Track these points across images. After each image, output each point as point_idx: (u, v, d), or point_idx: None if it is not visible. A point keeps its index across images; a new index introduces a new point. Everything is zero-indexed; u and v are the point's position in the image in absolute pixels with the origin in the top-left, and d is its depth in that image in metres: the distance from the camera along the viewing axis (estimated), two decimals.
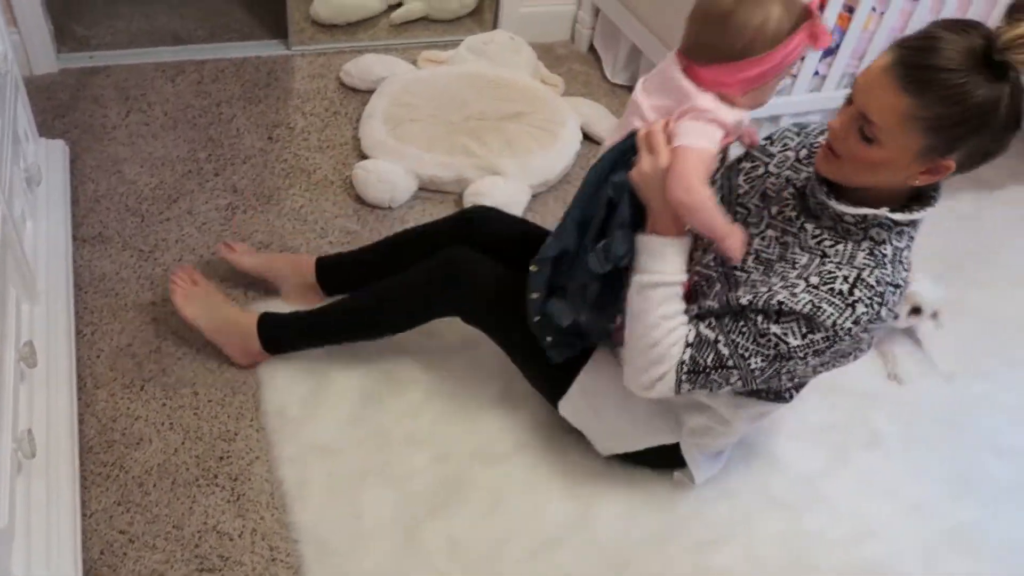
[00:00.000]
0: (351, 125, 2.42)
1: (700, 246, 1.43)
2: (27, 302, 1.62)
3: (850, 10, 2.29)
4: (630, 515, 1.62)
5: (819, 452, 1.80)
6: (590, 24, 2.88)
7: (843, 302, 1.19)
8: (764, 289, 1.25)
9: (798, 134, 1.41)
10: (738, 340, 1.26)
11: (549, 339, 1.47)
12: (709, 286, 1.36)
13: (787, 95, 2.38)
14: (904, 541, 1.66)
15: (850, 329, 1.19)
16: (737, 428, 1.49)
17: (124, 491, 1.53)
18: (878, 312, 1.19)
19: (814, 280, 1.21)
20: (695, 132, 1.19)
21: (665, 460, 1.61)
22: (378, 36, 2.80)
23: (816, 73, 2.38)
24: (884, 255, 1.21)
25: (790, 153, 1.38)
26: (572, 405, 1.56)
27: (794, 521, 1.66)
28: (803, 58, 1.20)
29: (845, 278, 1.20)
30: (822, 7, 1.52)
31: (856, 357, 1.31)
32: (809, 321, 1.20)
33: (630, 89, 1.59)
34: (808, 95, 2.43)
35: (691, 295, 1.39)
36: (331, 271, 1.84)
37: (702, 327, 1.30)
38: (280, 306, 1.86)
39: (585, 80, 2.78)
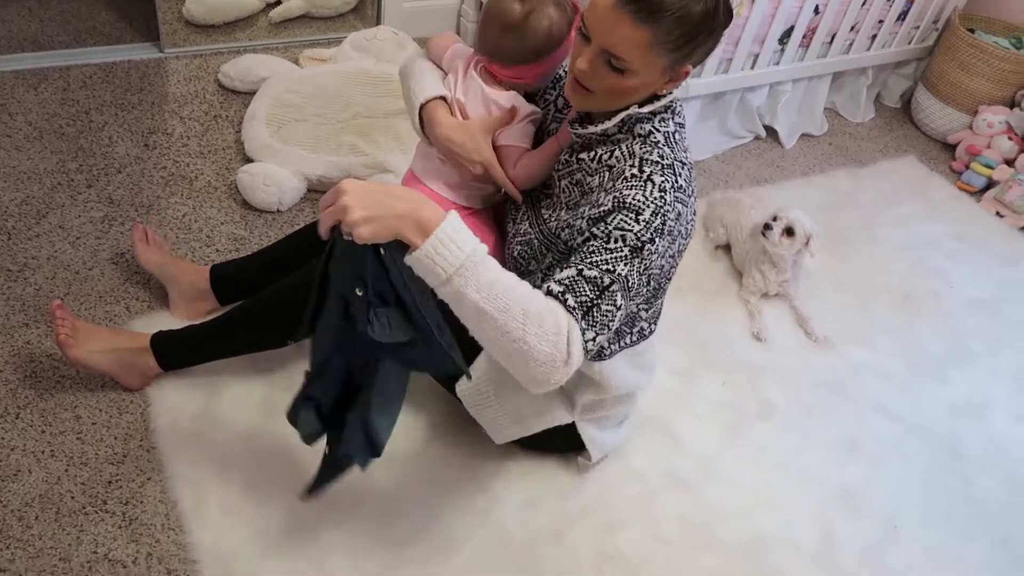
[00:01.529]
0: (233, 128, 2.34)
1: (511, 218, 1.48)
2: None
3: None
4: (534, 505, 1.63)
5: (717, 428, 1.85)
6: (474, 17, 2.88)
7: (639, 180, 1.25)
8: (580, 221, 1.30)
9: (553, 87, 1.50)
10: (595, 259, 1.22)
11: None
12: (531, 250, 1.41)
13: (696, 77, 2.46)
14: (798, 507, 1.73)
15: (663, 198, 1.23)
16: (619, 387, 1.50)
17: (2, 526, 1.44)
18: (676, 182, 1.26)
19: (609, 184, 1.28)
20: (511, 132, 1.43)
21: (564, 444, 1.62)
22: (257, 36, 2.72)
23: None
24: (656, 140, 1.29)
25: (551, 107, 1.48)
26: (472, 387, 1.54)
27: (695, 498, 1.71)
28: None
29: (631, 165, 1.27)
30: None
31: (684, 249, 1.35)
32: (625, 207, 1.23)
33: None
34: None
35: (521, 268, 1.43)
36: (225, 278, 1.79)
37: (558, 275, 1.23)
38: (166, 320, 1.79)
39: None
